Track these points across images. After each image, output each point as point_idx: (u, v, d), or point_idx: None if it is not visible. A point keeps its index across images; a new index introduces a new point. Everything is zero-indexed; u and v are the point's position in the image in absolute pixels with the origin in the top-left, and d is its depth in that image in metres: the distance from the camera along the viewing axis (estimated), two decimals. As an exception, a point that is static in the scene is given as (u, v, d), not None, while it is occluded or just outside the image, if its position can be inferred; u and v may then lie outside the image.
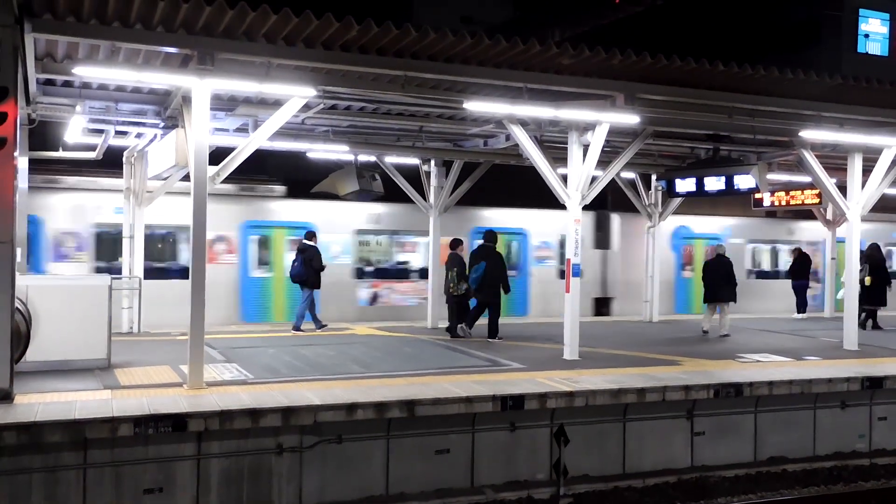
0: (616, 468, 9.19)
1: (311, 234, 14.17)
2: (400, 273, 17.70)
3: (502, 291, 13.33)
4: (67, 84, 10.68)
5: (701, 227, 20.12)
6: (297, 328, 13.85)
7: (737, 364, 11.24)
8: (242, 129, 12.03)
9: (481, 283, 13.07)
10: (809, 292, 19.13)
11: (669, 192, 14.47)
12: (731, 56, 10.55)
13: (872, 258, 15.88)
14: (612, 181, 13.11)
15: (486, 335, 13.19)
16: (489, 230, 13.73)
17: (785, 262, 20.68)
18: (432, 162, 15.31)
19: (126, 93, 11.04)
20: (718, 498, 8.87)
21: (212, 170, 8.91)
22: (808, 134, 12.13)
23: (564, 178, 11.29)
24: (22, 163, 11.48)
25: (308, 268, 13.74)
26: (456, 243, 13.96)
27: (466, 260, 13.68)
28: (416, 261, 17.77)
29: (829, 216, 19.01)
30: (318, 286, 14.01)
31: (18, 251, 9.78)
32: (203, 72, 8.53)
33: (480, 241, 13.87)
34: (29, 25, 7.80)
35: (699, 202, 18.13)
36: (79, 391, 8.27)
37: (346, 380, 9.29)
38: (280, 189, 17.01)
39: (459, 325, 13.59)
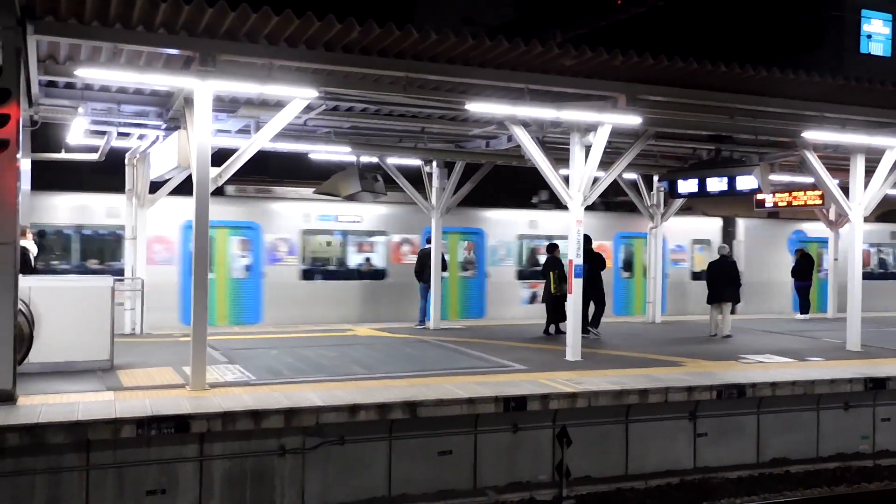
0: (618, 470, 9.18)
1: (429, 240, 15.53)
2: None
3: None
4: (69, 86, 10.69)
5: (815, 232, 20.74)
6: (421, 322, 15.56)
7: (739, 365, 11.23)
8: (244, 131, 12.03)
9: (586, 283, 13.43)
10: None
11: (671, 193, 14.47)
12: (733, 57, 10.55)
13: None
14: (614, 182, 13.11)
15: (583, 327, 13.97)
16: (585, 234, 13.98)
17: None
18: (434, 163, 15.31)
19: (128, 94, 11.06)
20: (721, 499, 8.85)
21: (214, 171, 8.92)
22: (811, 135, 12.11)
23: (567, 180, 11.29)
24: (24, 165, 11.49)
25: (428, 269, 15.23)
26: (553, 247, 14.76)
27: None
28: None
29: (832, 217, 18.99)
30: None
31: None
32: (205, 73, 8.54)
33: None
34: (31, 27, 7.81)
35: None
36: (81, 392, 8.28)
37: (348, 381, 9.28)
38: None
39: (551, 325, 14.50)
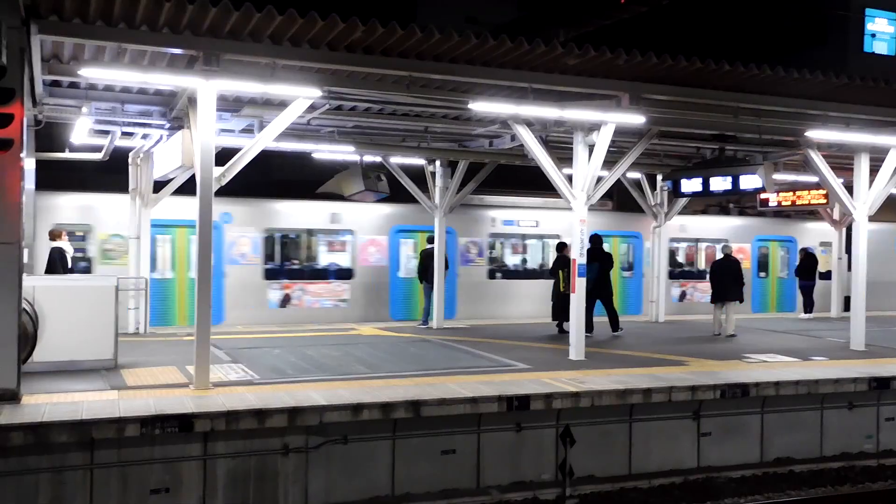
0: (622, 469, 9.18)
1: (430, 239, 15.74)
2: None
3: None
4: (73, 85, 10.71)
5: None
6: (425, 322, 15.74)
7: (743, 364, 11.21)
8: (248, 130, 12.05)
9: (596, 283, 14.10)
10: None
11: (675, 193, 14.44)
12: (736, 56, 10.53)
13: None
14: (618, 181, 13.13)
15: (611, 331, 14.54)
16: (595, 234, 14.82)
17: None
18: (437, 162, 15.31)
19: (132, 94, 11.08)
20: (725, 499, 8.84)
21: (217, 170, 8.93)
22: (815, 134, 12.09)
23: (570, 179, 11.28)
24: (28, 164, 11.52)
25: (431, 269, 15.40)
26: (562, 246, 15.10)
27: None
28: None
29: (836, 216, 18.95)
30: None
31: (25, 252, 9.82)
32: (209, 73, 8.55)
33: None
34: (35, 27, 7.83)
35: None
36: (85, 392, 8.30)
37: (352, 380, 9.29)
38: None
39: (567, 322, 14.40)
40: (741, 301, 14.89)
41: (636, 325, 16.48)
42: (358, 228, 16.79)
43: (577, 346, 11.26)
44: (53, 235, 12.14)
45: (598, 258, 14.38)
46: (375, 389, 8.71)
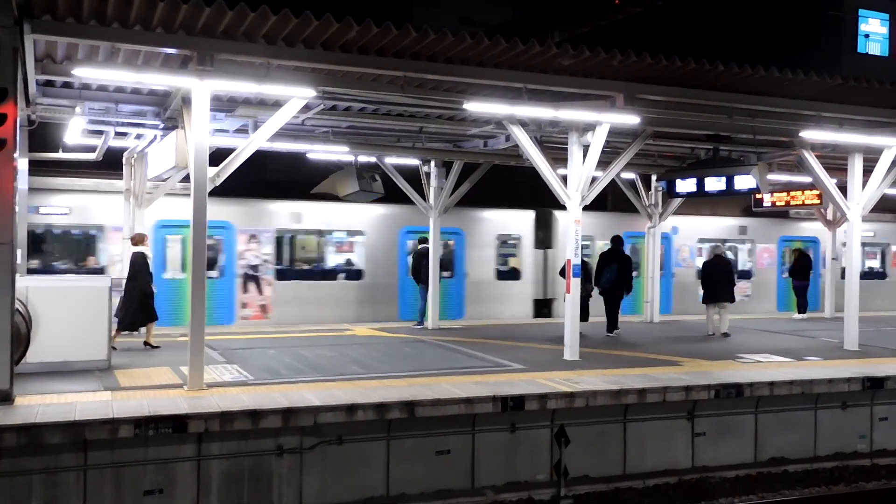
0: (617, 469, 9.19)
1: (423, 240, 15.73)
2: None
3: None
4: (67, 85, 10.67)
5: None
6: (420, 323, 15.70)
7: (737, 364, 11.23)
8: (242, 130, 12.02)
9: (615, 283, 14.31)
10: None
11: (669, 193, 14.47)
12: (730, 56, 10.55)
13: None
14: (612, 181, 13.14)
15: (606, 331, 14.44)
16: (616, 235, 15.16)
17: None
18: (432, 163, 15.30)
19: (126, 94, 11.03)
20: (719, 499, 8.88)
21: (212, 171, 8.91)
22: (808, 134, 12.12)
23: (564, 179, 11.29)
24: (22, 164, 11.49)
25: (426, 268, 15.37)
26: None
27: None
28: None
29: (830, 216, 19.00)
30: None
31: (18, 252, 9.79)
32: (203, 73, 8.53)
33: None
34: (28, 26, 7.79)
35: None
36: (79, 392, 8.27)
37: (346, 381, 9.28)
38: None
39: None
40: (733, 301, 14.91)
41: (631, 325, 16.50)
42: (756, 237, 20.60)
43: (571, 346, 11.26)
44: (135, 241, 12.16)
45: (618, 259, 14.48)
46: (370, 390, 8.70)
